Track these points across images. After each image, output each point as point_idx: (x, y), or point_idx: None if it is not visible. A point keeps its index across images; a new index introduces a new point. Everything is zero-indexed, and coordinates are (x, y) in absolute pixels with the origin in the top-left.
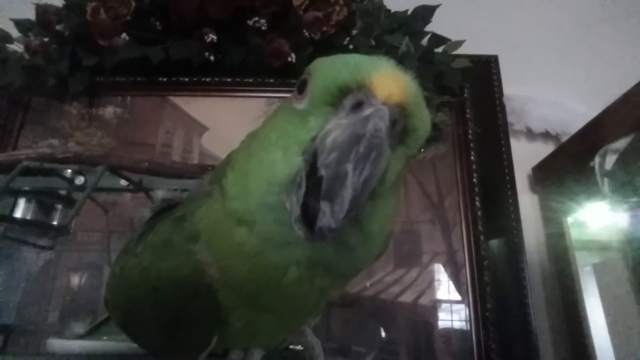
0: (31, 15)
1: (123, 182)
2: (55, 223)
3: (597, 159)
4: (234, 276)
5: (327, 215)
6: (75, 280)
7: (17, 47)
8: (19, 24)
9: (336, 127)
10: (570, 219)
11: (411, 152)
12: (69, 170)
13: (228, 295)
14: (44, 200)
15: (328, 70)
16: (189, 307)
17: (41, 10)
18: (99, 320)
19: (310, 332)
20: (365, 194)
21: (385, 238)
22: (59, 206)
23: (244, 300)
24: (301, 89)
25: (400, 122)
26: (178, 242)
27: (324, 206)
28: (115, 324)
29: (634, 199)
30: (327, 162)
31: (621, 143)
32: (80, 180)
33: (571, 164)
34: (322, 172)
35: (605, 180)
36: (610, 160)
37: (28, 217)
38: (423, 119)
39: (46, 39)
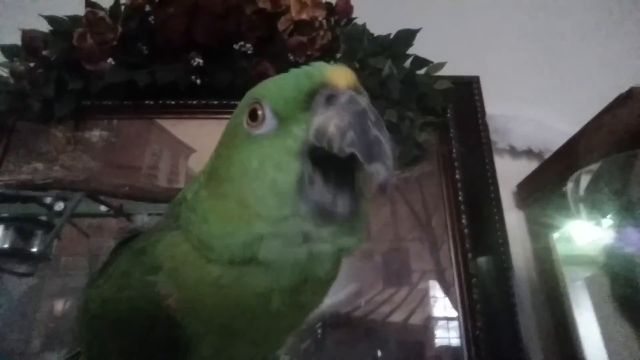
0: (17, 40)
1: (103, 208)
2: (34, 250)
3: (569, 185)
4: (203, 307)
5: (382, 171)
6: (59, 306)
7: (2, 72)
8: (5, 49)
9: (328, 119)
10: (556, 234)
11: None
12: (49, 197)
13: (193, 325)
14: (23, 226)
15: (284, 87)
16: (149, 338)
17: (27, 36)
18: (71, 354)
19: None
20: (391, 149)
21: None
22: (39, 232)
23: (213, 329)
24: (253, 117)
25: None
26: (137, 275)
27: (374, 167)
28: (84, 357)
29: (606, 223)
30: (349, 141)
31: (593, 167)
32: (60, 206)
33: (554, 181)
34: (349, 149)
35: (580, 205)
36: (584, 184)
37: (6, 245)
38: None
39: (32, 64)
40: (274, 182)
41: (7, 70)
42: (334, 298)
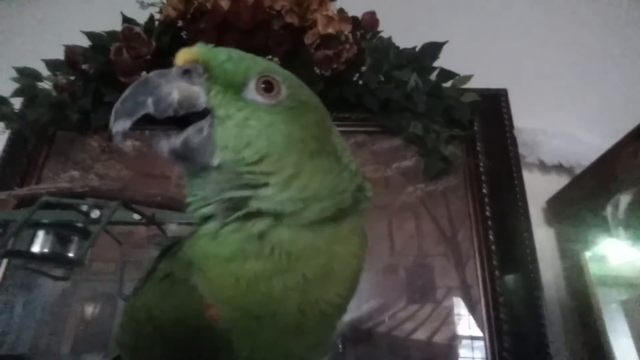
0: (60, 55)
1: (136, 216)
2: (71, 255)
3: (609, 208)
4: (229, 289)
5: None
6: (90, 310)
7: (45, 85)
8: (49, 63)
9: None
10: (589, 253)
11: (231, 80)
12: (86, 205)
13: (231, 321)
14: (61, 232)
15: None
16: (192, 345)
17: (69, 51)
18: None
19: None
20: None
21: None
22: (75, 238)
23: (244, 318)
24: None
25: (196, 70)
26: (178, 273)
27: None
28: None
29: None
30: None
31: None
32: (96, 213)
33: (587, 197)
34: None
35: (620, 228)
36: (624, 206)
37: (46, 250)
38: (219, 58)
39: (72, 78)
40: None
41: (50, 84)
42: (356, 312)
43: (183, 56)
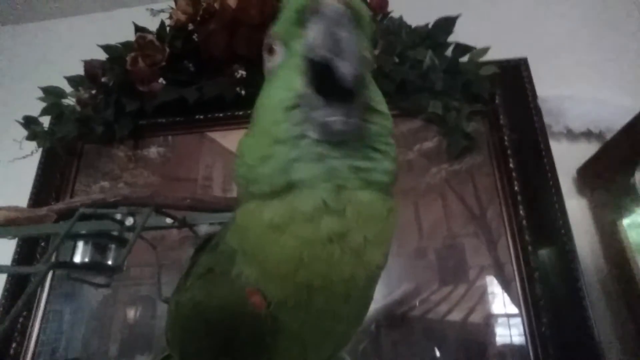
0: (79, 70)
1: (168, 220)
2: (110, 262)
3: (637, 175)
4: (274, 270)
5: (347, 67)
6: (131, 313)
7: (69, 101)
8: (71, 80)
9: (311, 30)
10: (626, 221)
11: (368, 38)
12: (119, 213)
13: (276, 309)
14: (99, 241)
15: (285, 13)
16: (240, 335)
17: (88, 65)
18: (160, 357)
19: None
20: (362, 51)
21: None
22: (112, 246)
23: (288, 295)
24: (270, 52)
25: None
26: (218, 267)
27: (338, 62)
28: None
29: None
30: (320, 44)
31: None
32: (129, 221)
33: (619, 163)
34: (320, 52)
35: None
36: None
37: (86, 259)
38: (363, 9)
39: (93, 91)
40: (282, 100)
41: (73, 100)
42: (389, 298)
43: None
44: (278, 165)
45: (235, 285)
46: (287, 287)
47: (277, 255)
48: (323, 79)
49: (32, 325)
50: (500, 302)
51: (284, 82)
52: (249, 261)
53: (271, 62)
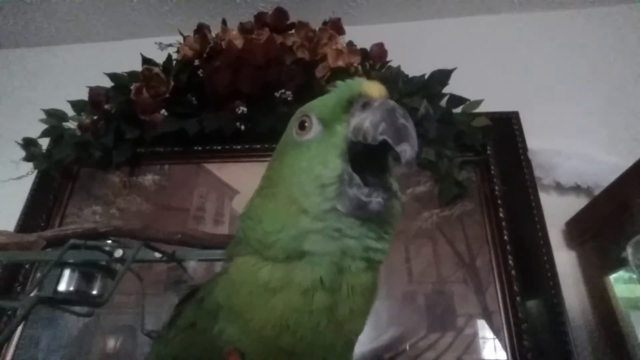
0: (83, 95)
1: (157, 254)
2: (95, 292)
3: (629, 249)
4: (259, 330)
5: (409, 150)
6: (111, 343)
7: (70, 125)
8: (74, 104)
9: (363, 118)
10: (614, 276)
11: None
12: (108, 245)
13: None
14: (86, 271)
15: (328, 98)
16: None
17: (93, 91)
18: None
19: None
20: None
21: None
22: (99, 275)
23: (276, 356)
24: (302, 126)
25: None
26: (201, 323)
27: (402, 147)
28: None
29: None
30: (380, 130)
31: None
32: (119, 252)
33: (607, 218)
34: (381, 137)
35: None
36: None
37: (72, 288)
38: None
39: (95, 117)
40: (319, 176)
41: (75, 124)
42: (376, 342)
43: (377, 90)
44: (296, 233)
45: (215, 344)
46: (268, 349)
47: (264, 316)
48: (358, 160)
49: (6, 351)
50: (488, 353)
51: (322, 159)
52: (234, 319)
53: (301, 136)
